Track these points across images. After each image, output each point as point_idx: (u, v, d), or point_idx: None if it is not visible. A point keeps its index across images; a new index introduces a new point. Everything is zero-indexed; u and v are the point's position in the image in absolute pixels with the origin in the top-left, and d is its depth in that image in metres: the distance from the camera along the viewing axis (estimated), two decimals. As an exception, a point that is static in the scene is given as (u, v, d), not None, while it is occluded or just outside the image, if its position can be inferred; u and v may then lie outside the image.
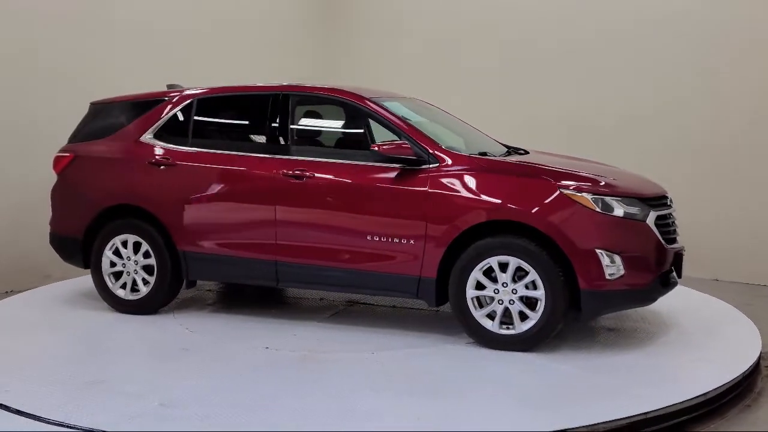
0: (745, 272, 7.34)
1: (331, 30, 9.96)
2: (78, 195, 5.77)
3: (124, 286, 5.62)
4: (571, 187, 4.60)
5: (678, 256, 4.88)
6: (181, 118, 5.61)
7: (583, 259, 4.49)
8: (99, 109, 5.94)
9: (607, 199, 4.59)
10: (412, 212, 4.83)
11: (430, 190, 4.78)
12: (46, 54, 7.03)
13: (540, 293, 4.57)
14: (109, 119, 5.85)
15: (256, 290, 6.43)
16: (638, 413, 3.70)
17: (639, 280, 4.59)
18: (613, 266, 4.50)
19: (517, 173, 4.79)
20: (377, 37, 9.62)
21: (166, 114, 5.63)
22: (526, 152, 5.52)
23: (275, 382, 4.20)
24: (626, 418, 3.66)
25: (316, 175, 5.07)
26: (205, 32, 8.49)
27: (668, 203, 4.99)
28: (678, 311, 5.56)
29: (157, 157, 5.50)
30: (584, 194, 4.57)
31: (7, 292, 6.62)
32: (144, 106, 5.75)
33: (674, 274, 4.87)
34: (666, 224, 4.84)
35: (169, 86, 6.11)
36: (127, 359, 4.63)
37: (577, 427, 3.54)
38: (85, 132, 5.91)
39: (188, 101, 5.62)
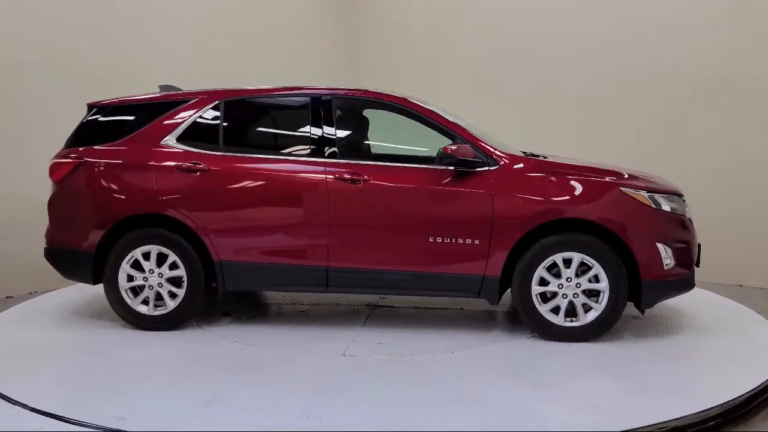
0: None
1: (342, 31, 9.94)
2: (87, 204, 5.27)
3: (144, 302, 5.24)
4: (628, 186, 4.94)
5: (698, 246, 5.38)
6: (208, 120, 5.31)
7: (646, 252, 4.84)
8: (101, 111, 5.44)
9: (656, 196, 4.98)
10: (477, 213, 4.93)
11: (495, 192, 4.91)
12: (38, 55, 6.89)
13: (603, 285, 4.87)
14: (117, 122, 5.40)
15: (250, 296, 6.29)
16: (657, 422, 3.65)
17: (684, 269, 5.02)
18: (667, 258, 4.90)
19: (576, 173, 5.02)
20: (387, 39, 9.66)
21: (191, 116, 5.30)
22: (545, 157, 5.77)
23: (389, 385, 4.13)
24: (641, 428, 3.62)
25: (372, 178, 5.03)
26: (211, 31, 8.38)
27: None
28: (700, 316, 5.67)
29: (187, 162, 5.17)
30: (641, 192, 4.93)
31: (30, 293, 6.69)
32: (160, 107, 5.37)
33: None
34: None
35: (162, 87, 5.78)
36: (212, 375, 4.29)
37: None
38: (87, 135, 5.40)
39: (215, 103, 5.33)
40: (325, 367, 4.47)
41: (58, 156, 5.40)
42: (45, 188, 5.41)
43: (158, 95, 5.50)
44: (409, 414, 3.72)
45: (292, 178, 5.11)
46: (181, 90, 5.75)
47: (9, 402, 3.90)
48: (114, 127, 5.40)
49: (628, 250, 4.86)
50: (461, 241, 4.96)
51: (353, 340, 5.03)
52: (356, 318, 5.62)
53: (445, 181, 4.98)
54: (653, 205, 4.92)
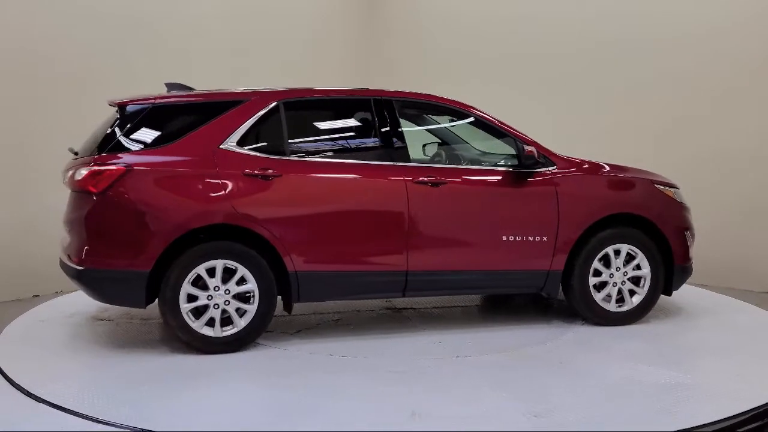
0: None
1: (358, 28, 9.53)
2: (142, 217, 4.59)
3: (208, 323, 4.74)
4: (660, 183, 5.61)
5: None
6: (270, 123, 4.94)
7: (678, 240, 5.55)
8: (135, 112, 4.78)
9: (675, 191, 5.71)
10: (545, 211, 5.25)
11: (558, 190, 5.28)
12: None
13: (646, 272, 5.49)
14: (158, 124, 4.80)
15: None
16: (677, 429, 3.61)
17: (692, 255, 5.82)
18: (691, 245, 5.65)
19: (617, 173, 5.56)
20: (402, 36, 9.36)
21: (250, 118, 4.90)
22: None
23: (546, 380, 4.31)
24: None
25: (448, 181, 5.10)
26: (223, 29, 8.03)
27: None
28: (722, 324, 5.75)
29: (256, 168, 4.78)
30: (668, 188, 5.62)
31: (56, 292, 6.70)
32: (211, 108, 4.89)
33: None
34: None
35: (169, 85, 5.30)
36: (370, 389, 4.11)
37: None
38: (123, 139, 4.71)
39: (273, 104, 4.98)
40: (461, 370, 4.47)
41: (87, 163, 4.64)
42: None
43: (205, 93, 5.02)
44: (611, 405, 3.91)
45: (368, 182, 5.00)
46: (191, 89, 5.30)
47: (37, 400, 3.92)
48: (157, 129, 4.78)
49: (663, 240, 5.52)
50: (531, 239, 5.25)
51: (439, 342, 5.07)
52: (400, 321, 5.64)
53: (516, 181, 5.23)
54: (677, 199, 5.64)
